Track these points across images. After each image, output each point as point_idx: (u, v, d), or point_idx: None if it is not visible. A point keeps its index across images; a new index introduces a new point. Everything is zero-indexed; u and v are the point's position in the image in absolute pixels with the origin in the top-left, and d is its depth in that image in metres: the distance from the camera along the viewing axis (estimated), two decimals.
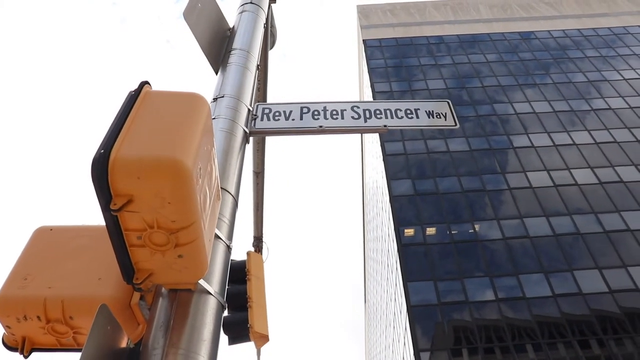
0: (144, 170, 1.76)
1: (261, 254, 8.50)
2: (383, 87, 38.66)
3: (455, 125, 3.50)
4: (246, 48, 3.95)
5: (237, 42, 3.99)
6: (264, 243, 8.39)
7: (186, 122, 1.95)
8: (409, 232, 27.34)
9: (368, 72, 40.95)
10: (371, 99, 38.70)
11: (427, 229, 27.31)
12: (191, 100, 2.05)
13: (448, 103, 3.68)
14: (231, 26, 4.37)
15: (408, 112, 3.58)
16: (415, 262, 26.25)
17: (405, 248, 26.53)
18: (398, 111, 3.58)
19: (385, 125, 3.44)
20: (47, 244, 2.44)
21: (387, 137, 33.97)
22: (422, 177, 30.43)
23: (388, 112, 3.57)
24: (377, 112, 3.58)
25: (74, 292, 2.20)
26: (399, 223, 27.83)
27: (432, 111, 3.58)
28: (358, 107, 3.64)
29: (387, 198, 31.21)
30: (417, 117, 3.53)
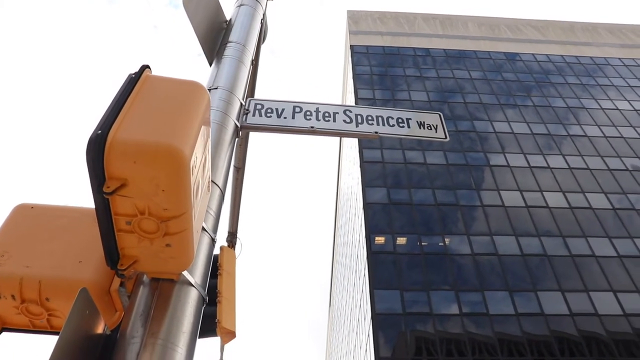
0: (141, 155, 1.72)
1: (234, 249, 8.43)
2: (366, 93, 38.82)
3: (446, 138, 3.53)
4: (242, 42, 3.92)
5: (234, 35, 3.96)
6: (237, 239, 8.33)
7: (186, 110, 1.92)
8: (380, 240, 27.48)
9: (353, 77, 41.08)
10: (353, 105, 38.70)
11: (398, 238, 27.48)
12: (192, 89, 2.03)
13: (439, 115, 3.71)
14: (228, 19, 4.34)
15: (399, 120, 3.59)
16: (383, 270, 26.42)
17: (374, 255, 26.65)
18: (390, 119, 3.59)
19: (376, 132, 3.45)
20: (27, 221, 2.38)
21: (365, 143, 34.12)
22: (397, 186, 30.62)
23: (380, 119, 3.58)
24: (369, 118, 3.59)
25: (52, 273, 2.14)
26: (371, 230, 27.95)
27: (424, 122, 3.60)
28: (350, 112, 3.64)
29: (360, 204, 31.31)
30: (409, 126, 3.55)
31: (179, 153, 1.74)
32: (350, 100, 43.50)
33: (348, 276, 40.58)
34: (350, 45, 45.63)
